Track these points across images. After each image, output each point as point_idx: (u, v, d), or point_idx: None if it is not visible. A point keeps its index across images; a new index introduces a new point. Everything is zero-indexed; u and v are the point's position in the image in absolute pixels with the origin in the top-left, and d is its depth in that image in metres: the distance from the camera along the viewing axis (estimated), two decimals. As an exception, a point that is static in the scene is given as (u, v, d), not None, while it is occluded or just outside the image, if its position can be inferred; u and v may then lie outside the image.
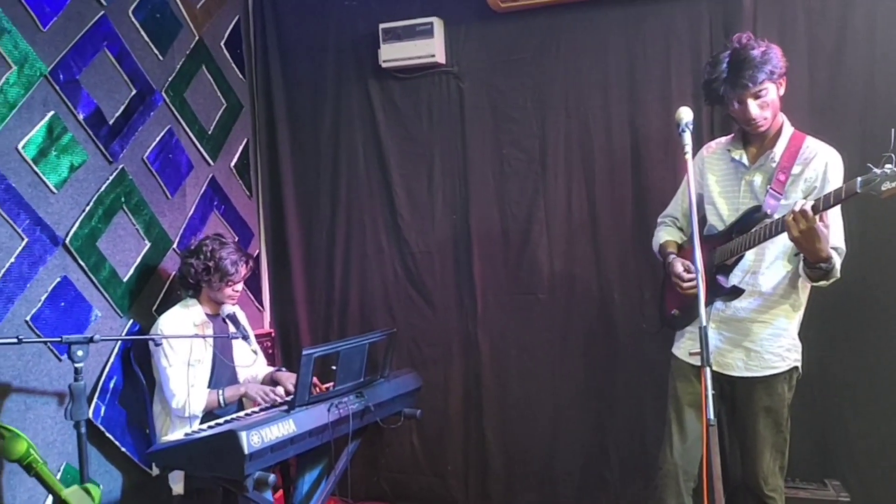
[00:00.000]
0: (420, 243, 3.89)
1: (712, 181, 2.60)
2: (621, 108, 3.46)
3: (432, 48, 3.67)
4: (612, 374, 3.54)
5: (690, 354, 2.53)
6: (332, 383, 2.92)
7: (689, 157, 2.20)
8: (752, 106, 2.39)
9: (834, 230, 2.31)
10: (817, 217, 2.12)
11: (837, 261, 2.31)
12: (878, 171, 2.01)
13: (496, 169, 3.73)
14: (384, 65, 3.77)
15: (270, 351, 4.09)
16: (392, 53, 3.74)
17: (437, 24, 3.67)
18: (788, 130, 2.49)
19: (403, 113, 3.88)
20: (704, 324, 2.02)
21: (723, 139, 2.68)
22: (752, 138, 2.52)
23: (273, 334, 4.15)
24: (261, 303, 4.18)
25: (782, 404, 2.48)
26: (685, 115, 2.29)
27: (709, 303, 2.47)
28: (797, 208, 2.13)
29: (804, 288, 2.50)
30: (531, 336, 3.70)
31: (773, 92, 2.39)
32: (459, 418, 3.84)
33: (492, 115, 3.71)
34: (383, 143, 3.91)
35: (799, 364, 2.51)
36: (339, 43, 3.96)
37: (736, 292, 2.44)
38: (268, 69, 4.09)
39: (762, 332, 2.47)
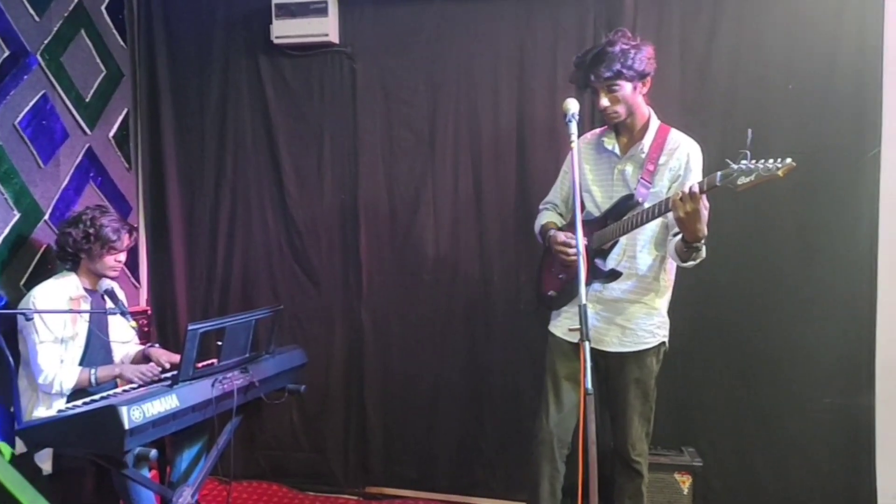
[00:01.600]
0: (307, 221, 3.88)
1: (587, 170, 2.76)
2: (510, 95, 3.58)
3: (326, 27, 3.66)
4: (489, 351, 3.67)
5: (570, 331, 2.68)
6: (212, 360, 2.88)
7: (574, 145, 2.33)
8: (603, 98, 2.57)
9: None
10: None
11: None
12: (735, 166, 2.21)
13: (386, 149, 3.77)
14: (276, 41, 3.73)
15: (146, 329, 3.96)
16: (285, 30, 3.70)
17: (332, 3, 3.66)
18: (655, 123, 2.67)
19: (294, 91, 3.84)
20: (584, 301, 2.15)
21: (597, 130, 2.85)
22: (623, 129, 2.70)
23: (150, 312, 4.02)
24: (137, 279, 4.05)
25: (651, 376, 2.68)
26: (572, 105, 2.42)
27: (587, 284, 2.62)
28: (686, 189, 2.30)
29: (672, 270, 2.70)
30: (414, 315, 3.78)
31: (626, 89, 2.55)
32: (340, 395, 3.88)
33: (384, 96, 3.75)
34: (272, 120, 3.87)
35: (666, 339, 2.72)
36: (229, 16, 3.88)
37: (614, 275, 2.61)
38: (151, 37, 3.94)
39: (636, 312, 2.66)
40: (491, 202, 3.66)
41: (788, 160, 2.13)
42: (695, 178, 2.56)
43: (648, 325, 2.66)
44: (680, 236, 2.42)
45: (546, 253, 2.85)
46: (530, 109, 3.53)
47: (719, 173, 2.24)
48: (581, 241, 2.22)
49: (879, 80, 3.18)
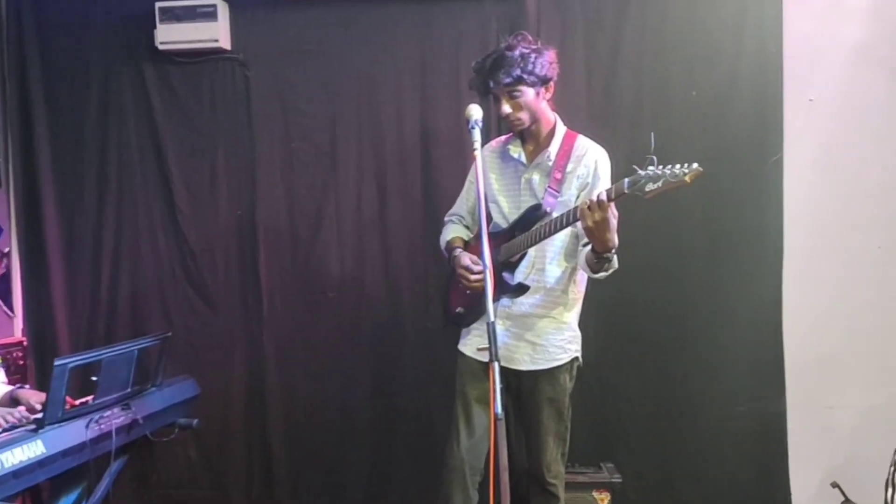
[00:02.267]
0: (201, 240, 3.62)
1: (493, 179, 2.64)
2: (413, 104, 3.44)
3: (216, 32, 3.42)
4: (399, 372, 3.50)
5: (478, 350, 2.54)
6: (90, 397, 2.60)
7: (478, 153, 2.19)
8: (505, 105, 2.44)
9: None
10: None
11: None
12: (642, 172, 2.11)
13: (285, 163, 3.56)
14: (161, 47, 3.46)
15: (22, 362, 3.61)
16: (170, 35, 3.44)
17: (222, 7, 3.43)
18: (561, 130, 2.57)
19: (183, 101, 3.58)
20: (493, 319, 2.01)
21: (503, 137, 2.73)
22: (528, 137, 2.59)
23: (25, 343, 3.65)
24: (11, 308, 3.68)
25: (564, 394, 2.56)
26: (475, 112, 2.29)
27: (495, 299, 2.50)
28: (594, 198, 2.18)
29: (582, 282, 2.60)
30: (320, 336, 3.57)
31: (529, 95, 2.43)
32: (241, 426, 3.62)
33: (280, 106, 3.54)
34: (160, 133, 3.59)
35: (579, 354, 2.61)
36: (108, 20, 3.58)
37: (522, 289, 2.48)
38: (21, 44, 3.59)
39: (546, 327, 2.53)
40: (396, 215, 3.50)
41: (695, 165, 2.04)
42: (603, 185, 2.47)
43: (559, 341, 2.55)
44: (590, 247, 2.32)
45: (453, 270, 2.70)
46: (434, 117, 3.40)
47: (626, 180, 2.14)
48: (487, 256, 2.08)
49: (780, 86, 3.21)
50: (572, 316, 2.59)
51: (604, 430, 3.33)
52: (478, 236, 2.64)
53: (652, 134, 2.12)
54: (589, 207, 2.18)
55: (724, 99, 3.24)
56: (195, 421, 2.93)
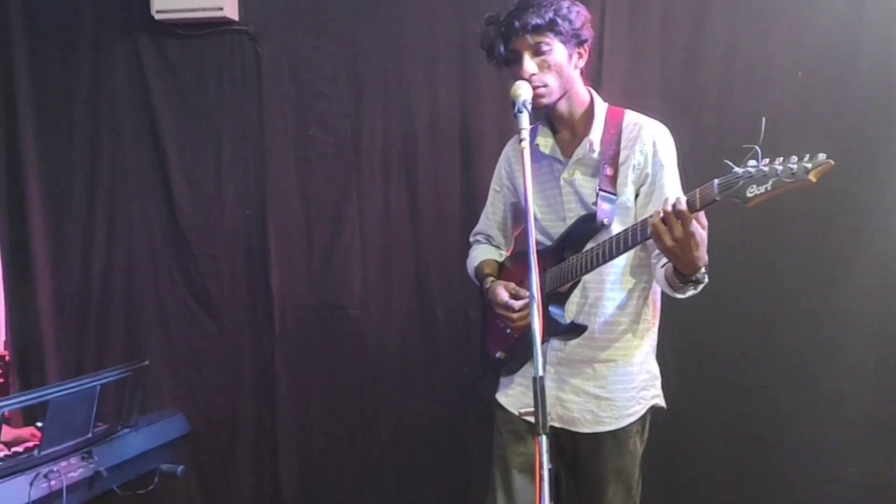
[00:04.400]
0: (204, 244, 3.13)
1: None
2: (451, 85, 2.87)
3: (220, -1, 2.90)
4: (431, 406, 2.95)
5: (521, 414, 1.96)
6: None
7: (525, 144, 1.60)
8: (528, 62, 1.83)
9: None
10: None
11: None
12: (739, 170, 1.50)
13: (300, 154, 3.04)
14: (158, 16, 2.97)
15: (2, 380, 3.16)
16: (169, 2, 2.95)
17: (228, -31, 2.91)
18: (602, 107, 1.95)
19: (184, 80, 3.09)
20: (541, 373, 1.43)
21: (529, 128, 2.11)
22: (559, 123, 1.97)
23: (8, 359, 3.20)
24: (-9, 318, 3.23)
25: (634, 462, 1.97)
26: (523, 90, 1.74)
27: (543, 342, 1.92)
28: (668, 206, 1.59)
29: (657, 301, 2.00)
30: (338, 361, 3.05)
31: (560, 53, 1.84)
32: (250, 465, 3.12)
33: (295, 87, 3.01)
34: (158, 117, 3.10)
35: (659, 398, 2.01)
36: (101, -14, 3.09)
37: (577, 330, 1.88)
38: (5, 11, 3.13)
39: (612, 373, 1.93)
40: (430, 219, 2.93)
41: (822, 156, 1.42)
42: (669, 175, 1.86)
43: (630, 390, 1.94)
44: (670, 265, 1.73)
45: (488, 305, 2.12)
46: (476, 101, 2.82)
47: (716, 181, 1.53)
48: (536, 285, 1.48)
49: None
50: (646, 349, 1.98)
51: (675, 488, 2.71)
52: (514, 257, 2.07)
53: (763, 119, 1.50)
54: (664, 220, 1.58)
55: (837, 81, 2.57)
56: (181, 468, 2.45)
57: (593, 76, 2.70)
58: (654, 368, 2.00)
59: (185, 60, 3.07)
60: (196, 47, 3.05)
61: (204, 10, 2.92)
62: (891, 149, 2.54)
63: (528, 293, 1.87)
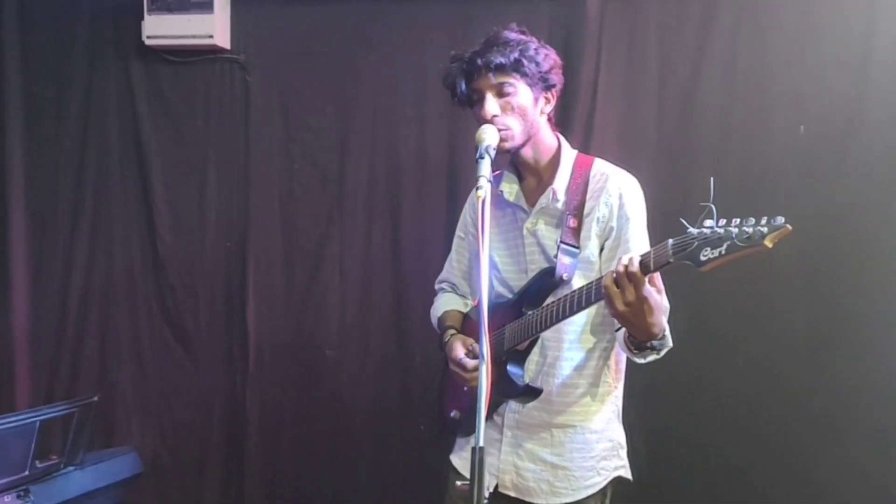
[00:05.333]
0: (183, 275, 3.05)
1: (489, 233, 1.93)
2: (439, 123, 2.79)
3: (211, 26, 2.86)
4: (407, 457, 2.80)
5: (458, 487, 1.82)
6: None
7: (481, 193, 1.49)
8: (491, 102, 1.73)
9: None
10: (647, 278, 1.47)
11: (666, 326, 1.67)
12: (693, 230, 1.37)
13: (284, 188, 2.96)
14: (148, 41, 2.93)
15: (-29, 405, 3.08)
16: (159, 28, 2.90)
17: (221, -2, 2.87)
18: (570, 155, 1.84)
19: (173, 106, 3.04)
20: (481, 443, 1.30)
21: (493, 175, 1.98)
22: (525, 169, 1.87)
23: (-21, 383, 3.13)
24: (-35, 339, 3.16)
25: (595, 536, 1.81)
26: (488, 135, 1.65)
27: (498, 401, 1.79)
28: (620, 267, 1.47)
29: (620, 362, 1.85)
30: (313, 403, 2.94)
31: (524, 95, 1.74)
32: (214, 505, 2.99)
33: (283, 119, 2.95)
34: (144, 143, 3.05)
35: (625, 468, 1.86)
36: (96, 10, 3.06)
37: (532, 393, 1.74)
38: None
39: (570, 440, 1.79)
40: (412, 258, 2.84)
41: (780, 220, 1.28)
42: (635, 230, 1.74)
43: (589, 459, 1.79)
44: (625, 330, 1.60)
45: (447, 362, 2.00)
46: (465, 140, 2.71)
47: (671, 241, 1.41)
48: (486, 347, 1.36)
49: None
50: (607, 415, 1.83)
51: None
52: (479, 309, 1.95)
53: (712, 179, 1.38)
54: (615, 281, 1.46)
55: (844, 137, 2.46)
56: (128, 510, 2.32)
57: (585, 121, 2.62)
58: (618, 436, 1.85)
59: (174, 87, 3.01)
60: (186, 74, 3.00)
61: (194, 37, 2.87)
62: (896, 212, 2.41)
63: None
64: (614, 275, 1.47)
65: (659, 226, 1.86)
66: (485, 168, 1.54)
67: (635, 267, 1.44)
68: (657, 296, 1.48)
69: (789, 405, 2.45)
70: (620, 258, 1.48)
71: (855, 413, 2.40)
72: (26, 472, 2.03)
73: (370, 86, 2.85)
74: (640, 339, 1.56)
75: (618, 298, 1.46)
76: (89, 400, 2.18)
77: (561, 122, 2.59)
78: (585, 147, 2.54)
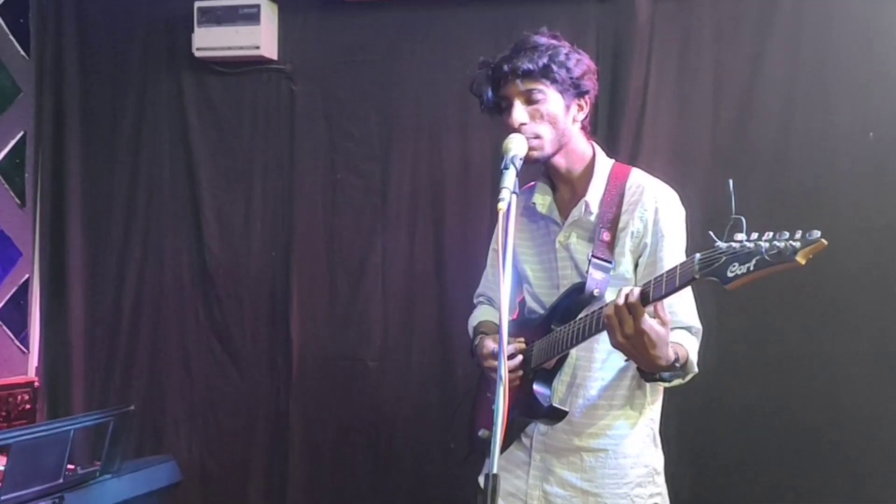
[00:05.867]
0: (229, 284, 3.06)
1: (521, 246, 1.84)
2: (483, 131, 2.70)
3: (257, 38, 2.87)
4: (448, 471, 2.71)
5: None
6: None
7: (503, 206, 1.41)
8: (518, 110, 1.63)
9: (681, 305, 1.59)
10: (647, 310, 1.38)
11: (693, 351, 1.57)
12: (722, 244, 1.24)
13: (328, 198, 2.94)
14: (198, 53, 2.96)
15: (29, 406, 3.17)
16: (208, 40, 2.93)
17: (267, 9, 2.88)
18: (605, 165, 1.74)
19: (222, 116, 3.06)
20: (494, 469, 1.22)
21: (526, 187, 1.89)
22: (559, 179, 1.77)
23: (37, 385, 3.22)
24: (25, 344, 3.25)
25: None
26: (514, 145, 1.56)
27: (523, 421, 1.71)
28: (620, 299, 1.38)
29: (655, 384, 1.72)
30: (354, 413, 2.91)
31: (555, 102, 1.65)
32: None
33: (327, 127, 2.93)
34: (194, 152, 3.08)
35: (661, 496, 1.74)
36: (151, 22, 3.12)
37: (557, 415, 1.65)
38: (60, 48, 3.18)
39: (602, 466, 1.69)
40: (456, 270, 2.77)
41: (816, 234, 1.13)
42: (671, 249, 1.62)
43: (622, 486, 1.69)
44: None
45: (481, 376, 1.92)
46: (508, 151, 2.64)
47: (698, 256, 1.28)
48: (504, 369, 1.29)
49: None
50: (642, 438, 1.72)
51: None
52: (518, 322, 1.86)
53: (730, 181, 1.26)
54: (616, 313, 1.37)
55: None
56: (166, 518, 2.33)
57: (634, 130, 2.51)
58: (654, 461, 1.73)
59: (224, 97, 3.04)
60: (234, 85, 3.02)
61: (241, 48, 2.89)
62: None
63: (519, 356, 1.68)
64: (612, 306, 1.39)
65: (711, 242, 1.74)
66: (508, 179, 1.46)
67: (635, 298, 1.35)
68: (660, 328, 1.38)
69: (854, 433, 2.27)
70: (621, 289, 1.40)
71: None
72: (60, 480, 2.05)
73: (413, 94, 2.81)
74: (645, 370, 1.48)
75: (617, 330, 1.38)
76: (126, 409, 2.19)
77: (608, 131, 2.54)
78: (634, 158, 2.45)
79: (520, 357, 1.68)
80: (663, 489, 1.74)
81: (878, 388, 2.28)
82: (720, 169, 2.42)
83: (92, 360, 3.20)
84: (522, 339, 1.69)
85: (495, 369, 1.65)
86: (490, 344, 1.73)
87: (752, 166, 2.40)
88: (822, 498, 2.28)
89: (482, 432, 1.85)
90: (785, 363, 2.36)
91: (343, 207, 2.91)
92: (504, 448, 1.77)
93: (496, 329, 1.85)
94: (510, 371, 1.65)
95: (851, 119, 2.33)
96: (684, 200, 1.73)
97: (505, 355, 1.29)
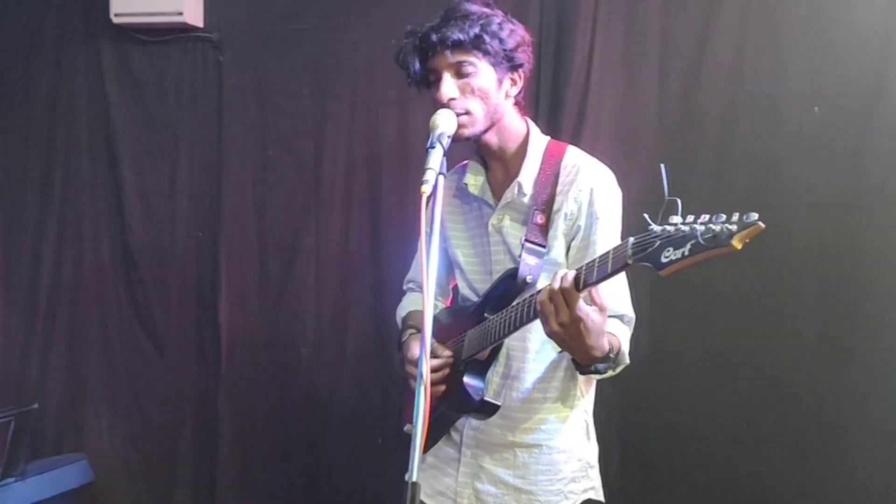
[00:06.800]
0: (153, 267, 2.90)
1: (452, 229, 1.72)
2: (422, 107, 2.52)
3: (180, 2, 2.70)
4: (385, 462, 2.63)
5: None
6: None
7: (426, 188, 1.29)
8: (448, 84, 1.49)
9: (613, 294, 1.48)
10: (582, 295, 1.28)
11: (625, 341, 1.47)
12: (656, 227, 1.15)
13: (258, 176, 2.80)
14: (116, 19, 2.79)
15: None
16: (126, 4, 2.75)
17: (191, -29, 2.69)
18: (540, 143, 1.62)
19: (144, 88, 2.90)
20: (414, 477, 1.12)
21: (459, 166, 1.77)
22: (492, 159, 1.65)
23: (-53, 378, 3.00)
24: (-68, 333, 3.03)
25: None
26: (442, 121, 1.42)
27: (450, 420, 1.60)
28: (556, 283, 1.27)
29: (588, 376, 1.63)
30: (287, 404, 2.78)
31: (486, 76, 1.52)
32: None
33: (257, 101, 2.78)
34: (114, 127, 2.91)
35: (594, 490, 1.64)
36: (67, -14, 2.91)
37: (487, 409, 1.53)
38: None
39: (534, 461, 1.58)
40: (393, 256, 2.60)
41: (754, 217, 1.03)
42: (604, 233, 1.52)
43: (556, 482, 1.58)
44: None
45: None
46: (451, 128, 2.52)
47: (632, 240, 1.18)
48: (426, 365, 1.16)
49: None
50: (576, 432, 1.62)
51: None
52: (451, 310, 1.74)
53: (662, 165, 1.16)
54: (549, 298, 1.27)
55: (863, 119, 2.21)
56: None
57: (578, 104, 2.40)
58: (588, 455, 1.63)
59: (144, 67, 2.87)
60: (158, 53, 2.85)
61: (163, 13, 2.71)
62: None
63: (446, 352, 1.57)
64: (548, 291, 1.28)
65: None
66: (434, 159, 1.33)
67: (568, 282, 1.25)
68: (596, 316, 1.28)
69: (795, 415, 2.22)
70: (556, 273, 1.29)
71: (867, 424, 2.17)
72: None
73: (349, 66, 2.67)
74: (579, 361, 1.38)
75: (552, 318, 1.27)
76: (28, 407, 2.01)
77: (552, 106, 2.44)
78: (577, 133, 2.36)
79: (447, 370, 1.56)
80: (597, 482, 1.64)
81: (822, 368, 2.22)
82: (666, 144, 2.33)
83: (5, 350, 3.00)
84: (450, 353, 1.57)
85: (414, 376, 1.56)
86: (416, 348, 1.60)
87: (698, 142, 2.32)
88: (764, 477, 2.23)
89: (407, 427, 1.73)
90: (725, 346, 2.29)
91: (274, 186, 2.76)
92: (430, 445, 1.66)
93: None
94: (433, 383, 1.53)
95: (798, 94, 2.26)
96: (627, 179, 1.63)
97: (427, 351, 1.19)
